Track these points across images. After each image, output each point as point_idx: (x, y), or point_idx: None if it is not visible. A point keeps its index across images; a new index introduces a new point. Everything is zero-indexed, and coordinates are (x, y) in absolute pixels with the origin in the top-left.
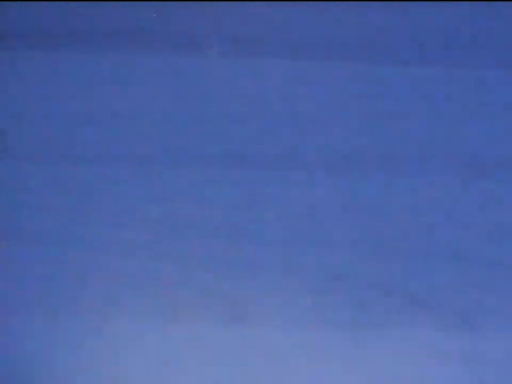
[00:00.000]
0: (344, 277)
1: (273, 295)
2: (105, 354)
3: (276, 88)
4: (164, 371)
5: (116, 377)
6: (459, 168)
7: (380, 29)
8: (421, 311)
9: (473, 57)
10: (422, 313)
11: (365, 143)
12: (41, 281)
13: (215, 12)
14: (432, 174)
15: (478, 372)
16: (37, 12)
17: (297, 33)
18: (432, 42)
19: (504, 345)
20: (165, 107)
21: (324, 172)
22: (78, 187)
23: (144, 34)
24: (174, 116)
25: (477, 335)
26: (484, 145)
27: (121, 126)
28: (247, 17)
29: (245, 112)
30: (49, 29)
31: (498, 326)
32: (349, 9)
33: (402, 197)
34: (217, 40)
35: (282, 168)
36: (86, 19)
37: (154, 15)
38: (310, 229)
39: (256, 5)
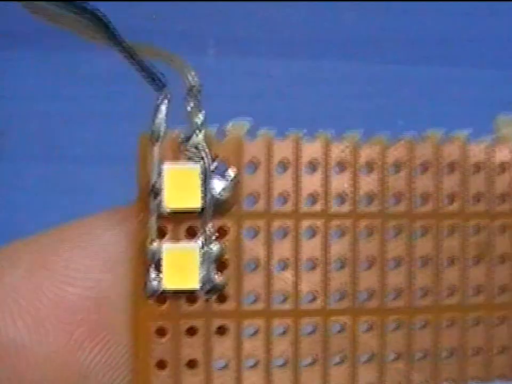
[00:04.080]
0: None
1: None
2: None
3: (276, 88)
4: None
5: None
6: None
7: (378, 28)
8: None
9: (472, 57)
10: None
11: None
12: None
13: (215, 12)
14: None
15: None
16: None
17: (296, 33)
18: (430, 42)
19: None
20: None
21: None
22: (78, 187)
23: (144, 34)
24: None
25: None
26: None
27: (121, 126)
28: (246, 17)
29: (245, 112)
30: (49, 28)
31: None
32: (346, 9)
33: None
34: (217, 40)
35: None
36: None
37: (154, 17)
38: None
39: (255, 5)
